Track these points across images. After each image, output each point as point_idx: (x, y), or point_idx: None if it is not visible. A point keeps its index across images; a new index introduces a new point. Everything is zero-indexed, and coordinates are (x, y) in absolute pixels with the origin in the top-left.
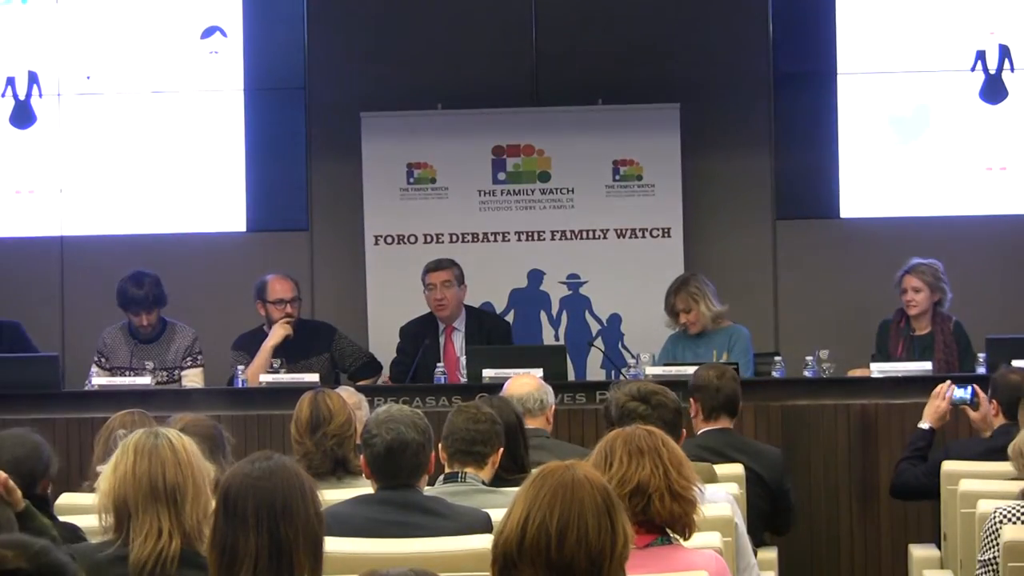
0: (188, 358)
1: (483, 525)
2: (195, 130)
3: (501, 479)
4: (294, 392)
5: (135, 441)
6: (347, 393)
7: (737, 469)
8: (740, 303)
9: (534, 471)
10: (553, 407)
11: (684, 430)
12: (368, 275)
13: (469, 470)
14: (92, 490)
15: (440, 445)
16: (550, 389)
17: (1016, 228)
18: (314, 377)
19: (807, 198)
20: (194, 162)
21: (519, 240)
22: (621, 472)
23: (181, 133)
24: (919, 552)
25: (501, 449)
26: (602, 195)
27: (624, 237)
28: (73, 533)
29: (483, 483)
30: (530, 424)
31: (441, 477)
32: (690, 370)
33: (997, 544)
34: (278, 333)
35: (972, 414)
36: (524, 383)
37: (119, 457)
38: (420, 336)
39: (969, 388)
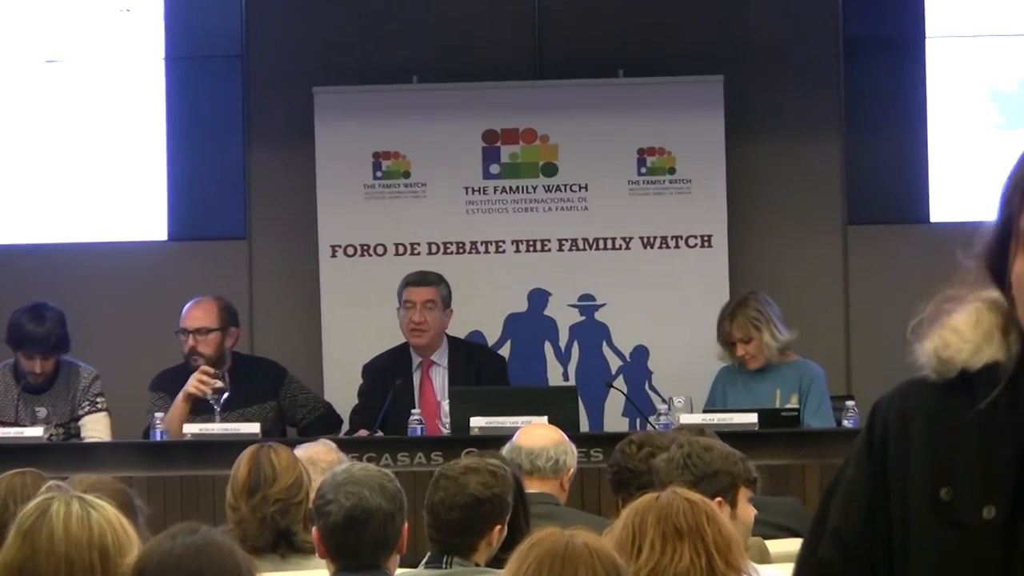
0: (85, 402)
1: None
2: (101, 110)
3: (498, 559)
4: (228, 447)
5: (23, 517)
6: (324, 450)
7: (791, 546)
8: (801, 331)
9: (525, 541)
10: (572, 471)
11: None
12: (323, 297)
13: (456, 558)
14: None
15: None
16: (573, 449)
17: None
18: (253, 428)
19: (887, 197)
20: (100, 152)
21: (517, 251)
22: (652, 561)
23: (83, 114)
24: None
25: (500, 527)
26: (623, 193)
27: (652, 247)
28: None
29: (477, 565)
30: (536, 487)
31: (424, 560)
32: (744, 418)
33: None
34: (192, 385)
35: None
36: (540, 434)
37: (11, 540)
38: (389, 375)
39: None
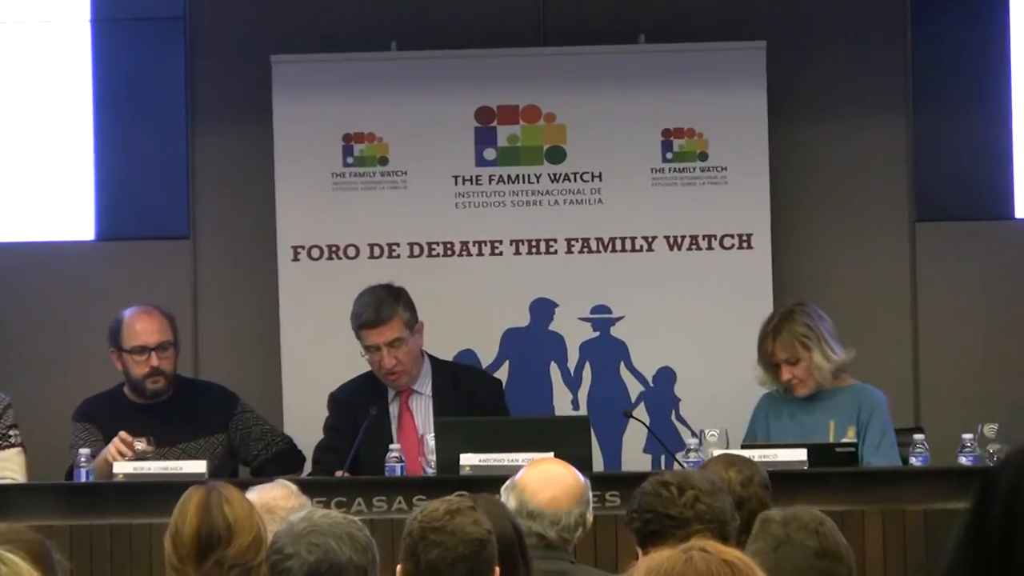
0: None
1: None
2: (12, 84)
3: None
4: (169, 490)
5: None
6: (282, 494)
7: None
8: (860, 350)
9: None
10: (591, 521)
11: None
12: (282, 307)
13: None
14: None
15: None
16: (589, 494)
17: None
18: (199, 466)
19: (963, 188)
20: (12, 134)
21: (517, 254)
22: None
23: None
24: None
25: (497, 568)
26: (646, 183)
27: (679, 249)
28: None
29: None
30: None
31: None
32: (792, 455)
33: None
34: (112, 453)
35: None
36: (556, 483)
37: None
38: (361, 405)
39: None
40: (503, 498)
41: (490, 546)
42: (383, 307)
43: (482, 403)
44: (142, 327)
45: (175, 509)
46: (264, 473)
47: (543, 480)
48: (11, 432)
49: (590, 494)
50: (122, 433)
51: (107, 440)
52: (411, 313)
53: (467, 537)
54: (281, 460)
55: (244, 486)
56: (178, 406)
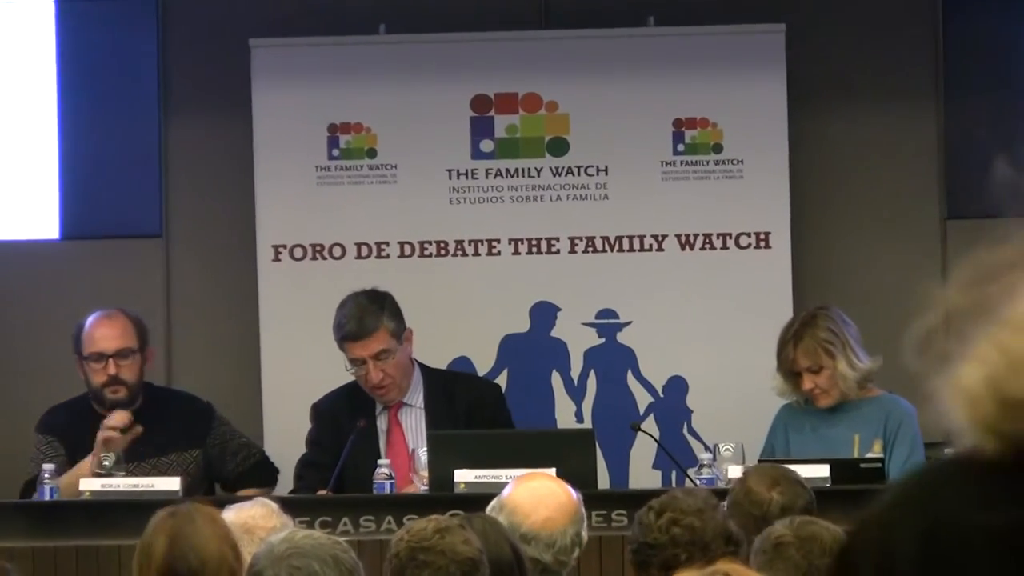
0: None
1: None
2: None
3: None
4: (139, 509)
5: None
6: (263, 513)
7: None
8: (887, 358)
9: None
10: (586, 540)
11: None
12: (262, 311)
13: None
14: None
15: None
16: (583, 510)
17: None
18: (172, 483)
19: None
20: None
21: (516, 253)
22: None
23: None
24: None
25: None
26: (655, 177)
27: (691, 248)
28: None
29: None
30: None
31: None
32: (813, 471)
33: None
34: (106, 433)
35: None
36: (549, 502)
37: None
38: (347, 417)
39: None
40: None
41: (483, 567)
42: (366, 317)
43: (482, 415)
44: (101, 333)
45: (141, 539)
46: (240, 487)
47: (535, 499)
48: None
49: (583, 510)
50: (117, 413)
51: (70, 455)
52: (397, 321)
53: (458, 557)
54: (257, 473)
55: (221, 504)
56: (148, 418)
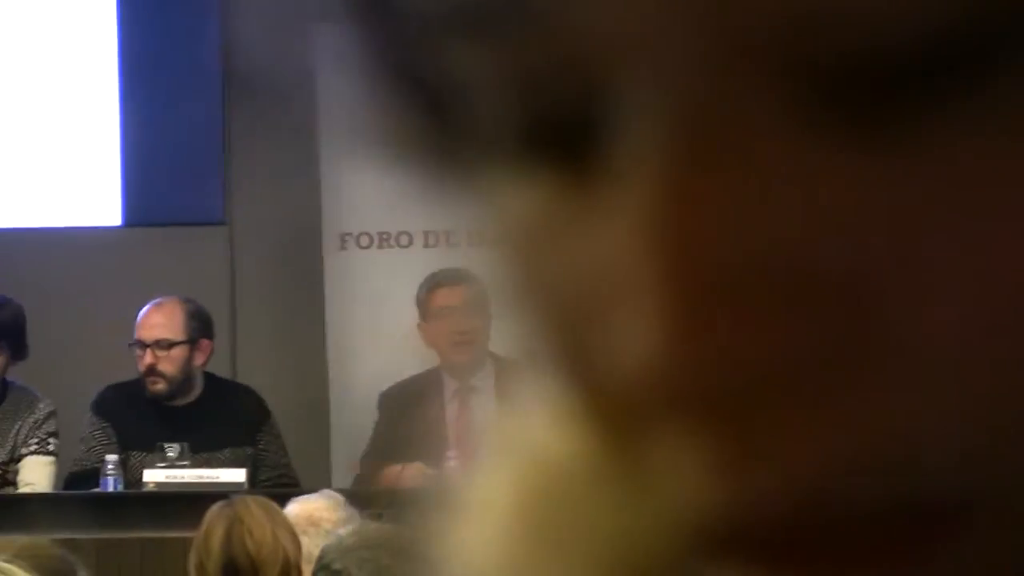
0: (34, 439)
1: None
2: (32, 56)
3: None
4: (202, 501)
5: None
6: (327, 506)
7: None
8: None
9: None
10: None
11: None
12: (328, 301)
13: None
14: None
15: None
16: None
17: None
18: (238, 475)
19: None
20: (32, 110)
21: None
22: None
23: (6, 63)
24: None
25: None
26: None
27: None
28: None
29: None
30: None
31: None
32: None
33: None
34: None
35: None
36: None
37: None
38: (415, 404)
39: None
40: None
41: None
42: (460, 271)
43: None
44: (145, 320)
45: (199, 530)
46: None
47: None
48: (50, 440)
49: None
50: None
51: (121, 441)
52: (484, 295)
53: None
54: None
55: (284, 498)
56: (206, 409)
